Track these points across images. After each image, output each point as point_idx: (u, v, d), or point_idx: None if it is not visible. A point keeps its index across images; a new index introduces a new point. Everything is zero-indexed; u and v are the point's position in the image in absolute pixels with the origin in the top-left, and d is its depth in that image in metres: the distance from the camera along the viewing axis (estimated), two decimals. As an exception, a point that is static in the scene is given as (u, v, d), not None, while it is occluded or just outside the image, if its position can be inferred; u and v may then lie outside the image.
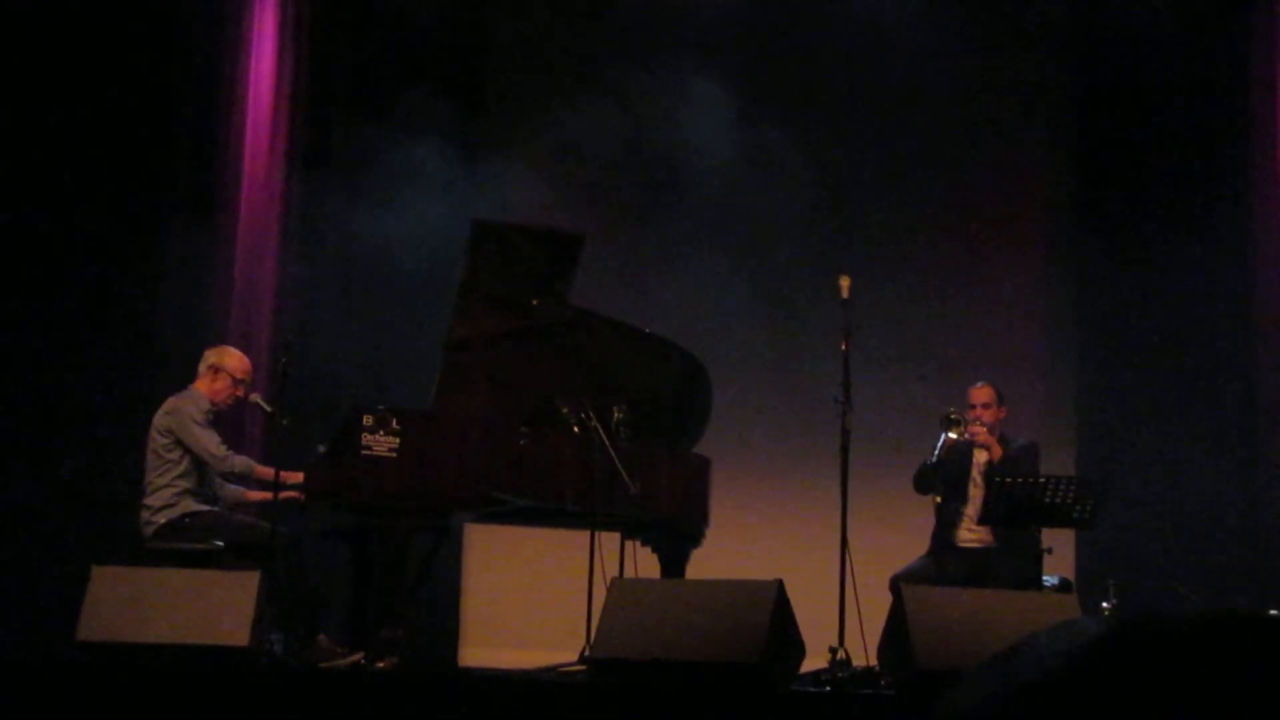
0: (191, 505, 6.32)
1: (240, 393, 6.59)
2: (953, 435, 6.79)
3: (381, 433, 5.91)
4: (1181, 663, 0.77)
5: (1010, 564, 6.62)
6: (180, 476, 6.32)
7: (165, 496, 6.29)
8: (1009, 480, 6.32)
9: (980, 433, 6.86)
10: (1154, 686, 0.77)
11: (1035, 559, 6.49)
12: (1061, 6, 9.02)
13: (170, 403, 6.46)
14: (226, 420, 6.82)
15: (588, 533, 6.24)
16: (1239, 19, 8.46)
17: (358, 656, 5.86)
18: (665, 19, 9.07)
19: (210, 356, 6.60)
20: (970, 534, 6.84)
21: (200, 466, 6.40)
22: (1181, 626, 0.79)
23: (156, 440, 6.37)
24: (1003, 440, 6.93)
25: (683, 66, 8.88)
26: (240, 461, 6.38)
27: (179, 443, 6.33)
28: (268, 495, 6.16)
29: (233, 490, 6.58)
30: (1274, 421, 8.02)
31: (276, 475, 6.04)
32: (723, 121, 8.83)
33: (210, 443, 6.33)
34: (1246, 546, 8.02)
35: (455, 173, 8.56)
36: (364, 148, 8.58)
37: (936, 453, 6.81)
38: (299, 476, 6.13)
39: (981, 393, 6.99)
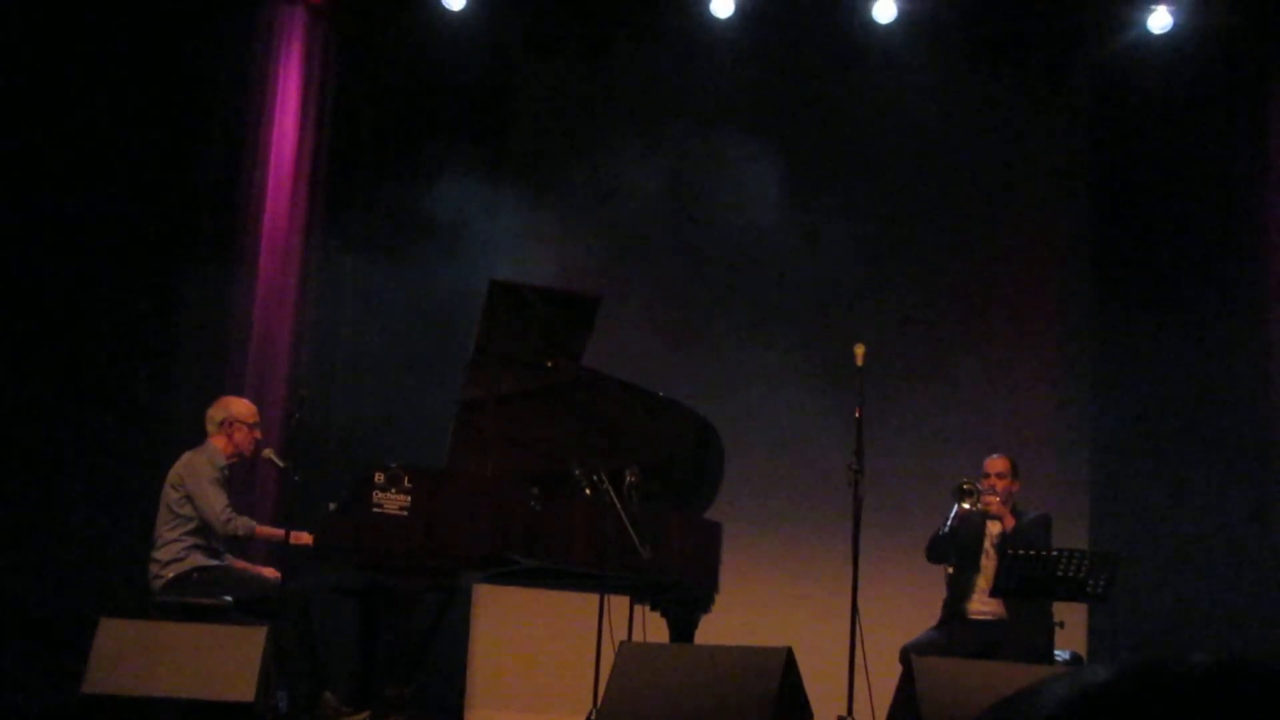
0: (200, 560, 6.30)
1: (259, 434, 6.60)
2: (966, 505, 6.75)
3: (393, 490, 5.90)
4: (1190, 709, 0.76)
5: (1022, 637, 6.56)
6: (190, 532, 6.30)
7: (174, 551, 6.27)
8: (1021, 552, 6.28)
9: (993, 503, 6.83)
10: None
11: (1047, 633, 6.44)
12: (1079, 83, 9.07)
13: (186, 457, 6.46)
14: (239, 476, 6.82)
15: (597, 595, 6.21)
16: (1256, 89, 8.50)
17: (364, 715, 5.83)
18: (693, 78, 9.12)
19: (216, 415, 6.57)
20: (982, 606, 6.79)
21: (210, 521, 6.39)
22: (1193, 674, 0.78)
23: (170, 495, 6.36)
24: (1016, 513, 6.90)
25: (707, 129, 8.92)
26: (243, 524, 6.34)
27: (190, 498, 6.32)
28: (279, 534, 6.16)
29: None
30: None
31: (287, 536, 6.03)
32: (749, 188, 8.87)
33: (217, 504, 6.30)
34: (1265, 624, 7.94)
35: (476, 228, 8.59)
36: (384, 202, 8.63)
37: (949, 523, 6.78)
38: (308, 538, 6.11)
39: (997, 463, 6.98)
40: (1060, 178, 9.33)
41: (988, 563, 6.81)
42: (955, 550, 6.87)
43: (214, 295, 7.83)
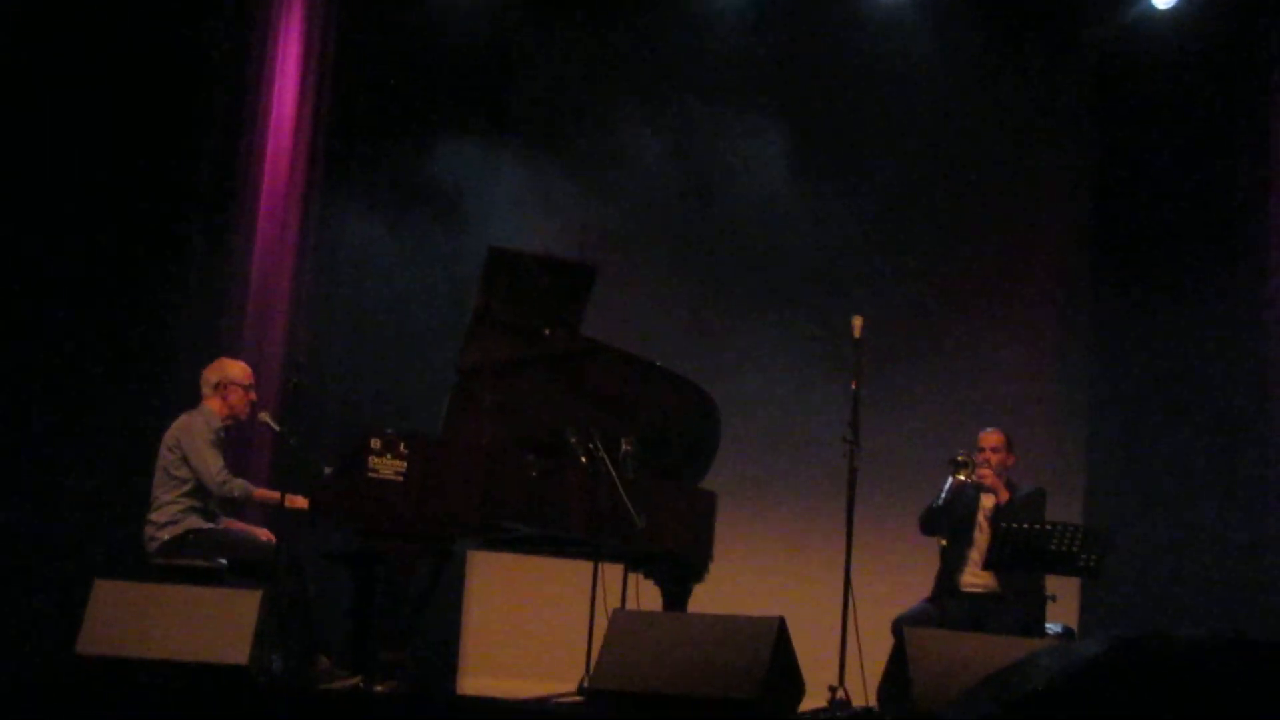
0: (196, 522, 6.31)
1: (254, 396, 6.60)
2: (960, 477, 6.77)
3: (388, 456, 5.90)
4: (1178, 683, 0.77)
5: (1013, 610, 6.58)
6: (186, 494, 6.31)
7: (170, 513, 6.28)
8: (1014, 525, 6.29)
9: (988, 475, 6.84)
10: (1151, 705, 0.76)
11: (1039, 606, 6.46)
12: (1084, 59, 9.05)
13: (182, 419, 6.46)
14: (234, 439, 6.82)
15: (591, 563, 6.23)
16: (1261, 66, 8.48)
17: (357, 679, 5.85)
18: (697, 47, 9.09)
19: (212, 377, 6.57)
20: (974, 578, 6.81)
21: (206, 483, 6.39)
22: (1180, 647, 0.79)
23: (166, 457, 6.36)
24: (1010, 487, 6.91)
25: (710, 98, 8.89)
26: (239, 485, 6.35)
27: (185, 459, 6.33)
28: (274, 497, 6.18)
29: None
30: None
31: (282, 499, 6.04)
32: (751, 158, 8.85)
33: (213, 465, 6.31)
34: (1255, 600, 7.97)
35: (475, 194, 8.57)
36: (384, 168, 8.60)
37: (944, 495, 6.80)
38: (303, 502, 6.12)
39: (991, 437, 6.98)
40: (1063, 154, 9.31)
41: (981, 536, 6.82)
42: (949, 523, 6.89)
43: (212, 258, 7.82)
